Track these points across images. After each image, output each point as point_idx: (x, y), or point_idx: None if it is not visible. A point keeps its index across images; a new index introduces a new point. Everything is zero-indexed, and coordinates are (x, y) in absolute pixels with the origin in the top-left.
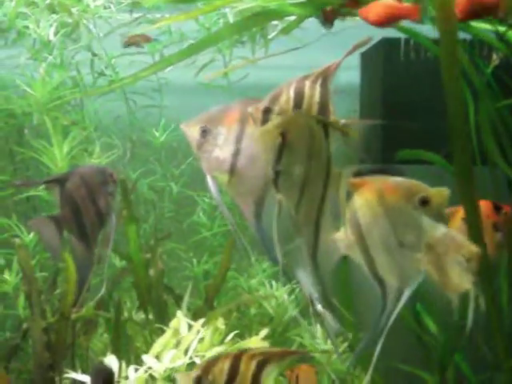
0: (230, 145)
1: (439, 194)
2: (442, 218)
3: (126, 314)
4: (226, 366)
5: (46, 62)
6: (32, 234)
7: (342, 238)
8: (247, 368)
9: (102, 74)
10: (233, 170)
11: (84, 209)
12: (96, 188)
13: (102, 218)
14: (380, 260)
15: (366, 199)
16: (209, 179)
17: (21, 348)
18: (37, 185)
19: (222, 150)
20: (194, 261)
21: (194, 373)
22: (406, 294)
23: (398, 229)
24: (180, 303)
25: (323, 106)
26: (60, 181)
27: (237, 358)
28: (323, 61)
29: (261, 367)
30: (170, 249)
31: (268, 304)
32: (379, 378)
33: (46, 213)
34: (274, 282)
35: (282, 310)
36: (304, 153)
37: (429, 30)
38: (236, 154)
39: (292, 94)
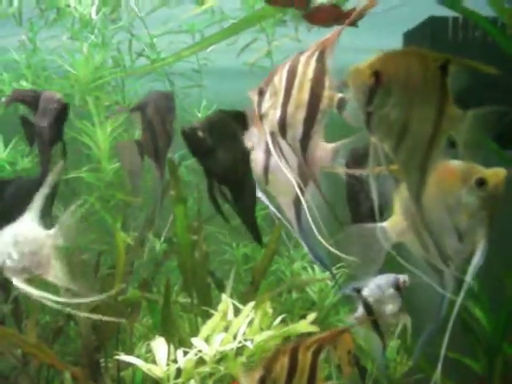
0: None
1: (496, 174)
2: (499, 199)
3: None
4: (285, 361)
5: (88, 41)
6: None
7: (393, 225)
8: (305, 359)
9: (142, 54)
10: (266, 171)
11: (159, 133)
12: (166, 113)
13: (170, 141)
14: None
15: None
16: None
17: (64, 331)
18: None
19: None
20: (234, 244)
21: (258, 373)
22: (468, 280)
23: (454, 212)
24: (221, 287)
25: (317, 82)
26: (141, 108)
27: (294, 352)
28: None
29: (316, 355)
30: (209, 232)
31: (310, 289)
32: (426, 364)
33: (86, 196)
34: (315, 267)
35: (324, 296)
36: (404, 93)
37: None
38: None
39: (285, 72)
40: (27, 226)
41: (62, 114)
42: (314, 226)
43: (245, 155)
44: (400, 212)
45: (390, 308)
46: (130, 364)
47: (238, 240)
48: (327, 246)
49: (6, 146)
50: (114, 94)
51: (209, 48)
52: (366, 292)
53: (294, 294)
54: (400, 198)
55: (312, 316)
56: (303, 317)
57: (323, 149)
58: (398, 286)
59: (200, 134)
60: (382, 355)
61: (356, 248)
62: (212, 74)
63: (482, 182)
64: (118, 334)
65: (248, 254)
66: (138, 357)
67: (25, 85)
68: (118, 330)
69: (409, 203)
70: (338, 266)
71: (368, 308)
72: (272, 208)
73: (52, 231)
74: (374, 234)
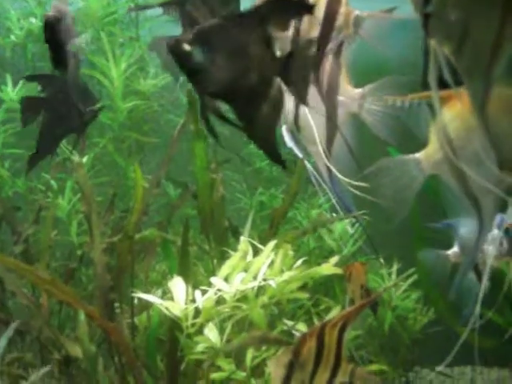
0: None
1: None
2: None
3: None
4: (313, 344)
5: None
6: (86, 158)
7: (427, 156)
8: (331, 338)
9: None
10: (297, 118)
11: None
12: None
13: None
14: (474, 178)
15: (457, 112)
16: None
17: (75, 275)
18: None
19: None
20: (248, 193)
21: (286, 357)
22: (510, 212)
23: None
24: (236, 233)
25: None
26: (180, 2)
27: (321, 333)
28: None
29: (342, 332)
30: (225, 180)
31: (329, 237)
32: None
33: (100, 137)
34: (334, 214)
35: (342, 245)
36: None
37: None
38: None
39: None
40: None
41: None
42: (340, 175)
43: (263, 63)
44: (435, 142)
45: (492, 251)
46: (144, 309)
47: (254, 186)
48: (354, 190)
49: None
50: (127, 32)
51: None
52: (462, 230)
53: (312, 243)
54: (436, 127)
55: (335, 259)
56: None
57: (350, 94)
58: (504, 228)
59: (186, 46)
60: (474, 300)
61: (387, 181)
62: None
63: None
64: (133, 278)
65: (264, 201)
66: None
67: (34, 22)
68: (132, 271)
69: (446, 132)
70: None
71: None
72: (303, 159)
73: None
74: (407, 166)
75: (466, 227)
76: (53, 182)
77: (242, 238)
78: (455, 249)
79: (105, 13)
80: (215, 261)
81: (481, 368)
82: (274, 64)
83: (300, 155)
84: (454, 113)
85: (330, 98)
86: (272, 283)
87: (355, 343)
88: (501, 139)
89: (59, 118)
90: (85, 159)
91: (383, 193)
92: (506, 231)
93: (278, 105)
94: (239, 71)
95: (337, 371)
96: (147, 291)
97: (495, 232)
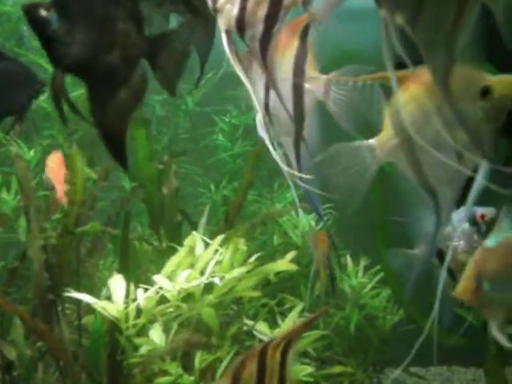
0: None
1: (503, 82)
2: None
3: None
4: (254, 367)
5: None
6: (32, 152)
7: (382, 143)
8: (274, 360)
9: None
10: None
11: None
12: None
13: None
14: (431, 165)
15: (413, 94)
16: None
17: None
18: None
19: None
20: (212, 186)
21: (225, 382)
22: (469, 205)
23: (454, 126)
24: (193, 226)
25: None
26: None
27: (262, 354)
28: None
29: (285, 352)
30: (185, 173)
31: (293, 233)
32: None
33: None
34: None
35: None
36: None
37: None
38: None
39: None
40: None
41: None
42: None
43: (128, 41)
44: (390, 127)
45: (462, 246)
46: (92, 310)
47: (214, 179)
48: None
49: None
50: None
51: None
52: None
53: (277, 239)
54: (391, 111)
55: (291, 254)
56: None
57: (315, 81)
58: (474, 221)
59: (43, 12)
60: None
61: (339, 169)
62: None
63: (486, 92)
64: (80, 277)
65: (227, 195)
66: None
67: None
68: (78, 269)
69: (401, 117)
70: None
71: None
72: (274, 153)
73: None
74: (361, 153)
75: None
76: None
77: (193, 232)
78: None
79: None
80: (166, 257)
81: (458, 368)
82: (142, 44)
83: (270, 146)
84: (409, 95)
85: (296, 84)
86: (217, 281)
87: (322, 343)
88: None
89: None
90: (32, 152)
91: (336, 181)
92: (476, 224)
93: (139, 93)
94: (99, 45)
95: None
96: (95, 290)
97: (465, 226)
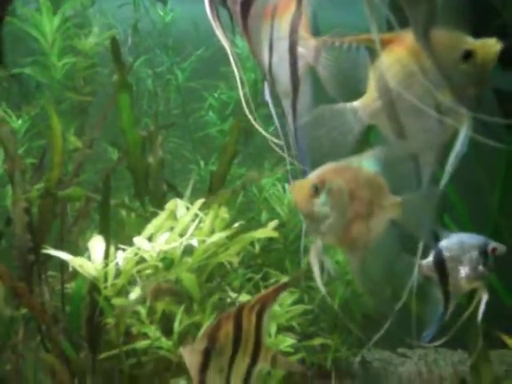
0: None
1: (485, 46)
2: (487, 75)
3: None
4: (230, 328)
5: None
6: (21, 121)
7: (365, 105)
8: (249, 322)
9: None
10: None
11: None
12: None
13: None
14: (413, 129)
15: (396, 56)
16: None
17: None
18: None
19: None
20: (202, 163)
21: (201, 344)
22: (448, 170)
23: (435, 89)
24: (178, 196)
25: None
26: None
27: (238, 316)
28: None
29: (260, 315)
30: (174, 149)
31: (280, 209)
32: None
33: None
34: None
35: (295, 216)
36: None
37: None
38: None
39: None
40: None
41: None
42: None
43: None
44: (374, 90)
45: (466, 271)
46: (75, 276)
47: (203, 155)
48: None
49: None
50: None
51: None
52: (444, 243)
53: (264, 215)
54: (375, 74)
55: (273, 223)
56: None
57: (305, 46)
58: (485, 252)
59: None
60: (437, 319)
61: (324, 131)
62: None
63: (468, 55)
64: (63, 242)
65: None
66: None
67: None
68: (62, 234)
69: (385, 79)
70: None
71: (439, 261)
72: (275, 116)
73: None
74: (344, 115)
75: (449, 242)
76: None
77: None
78: (430, 259)
79: None
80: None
81: (444, 350)
82: None
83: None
84: (393, 57)
85: (292, 45)
86: (195, 243)
87: (307, 318)
88: None
89: None
90: (20, 121)
91: (320, 143)
92: (486, 255)
93: None
94: None
95: (257, 357)
96: (77, 254)
97: (474, 253)
